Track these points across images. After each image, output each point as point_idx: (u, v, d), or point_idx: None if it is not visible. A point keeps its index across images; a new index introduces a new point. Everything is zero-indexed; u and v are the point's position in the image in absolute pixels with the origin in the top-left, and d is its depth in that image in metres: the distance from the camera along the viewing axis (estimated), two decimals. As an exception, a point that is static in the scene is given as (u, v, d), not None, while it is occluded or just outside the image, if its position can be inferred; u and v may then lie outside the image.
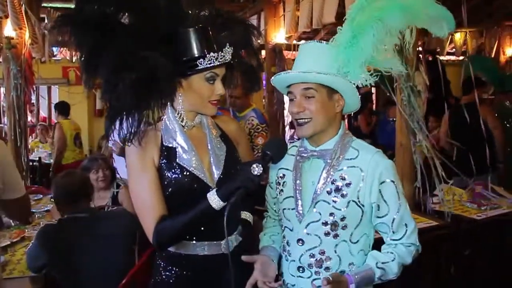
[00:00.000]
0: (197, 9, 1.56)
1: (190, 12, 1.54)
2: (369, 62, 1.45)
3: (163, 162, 1.47)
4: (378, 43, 1.40)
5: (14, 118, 4.54)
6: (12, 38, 4.39)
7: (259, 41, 1.86)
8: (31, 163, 5.25)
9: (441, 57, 7.17)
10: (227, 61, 1.45)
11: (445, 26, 1.53)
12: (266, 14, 5.82)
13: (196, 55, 1.41)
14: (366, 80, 1.45)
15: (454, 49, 7.20)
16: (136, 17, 1.42)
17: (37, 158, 6.12)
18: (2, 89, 5.46)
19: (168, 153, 1.47)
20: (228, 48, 1.45)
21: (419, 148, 3.07)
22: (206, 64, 1.41)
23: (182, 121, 1.51)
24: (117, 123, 1.37)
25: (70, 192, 2.27)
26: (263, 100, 6.98)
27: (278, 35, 5.65)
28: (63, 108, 5.90)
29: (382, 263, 1.44)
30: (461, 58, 7.42)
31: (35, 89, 5.31)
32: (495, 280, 3.06)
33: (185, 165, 1.46)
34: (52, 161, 5.84)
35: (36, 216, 3.19)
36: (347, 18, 1.46)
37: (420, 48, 5.89)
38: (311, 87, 1.43)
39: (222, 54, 1.43)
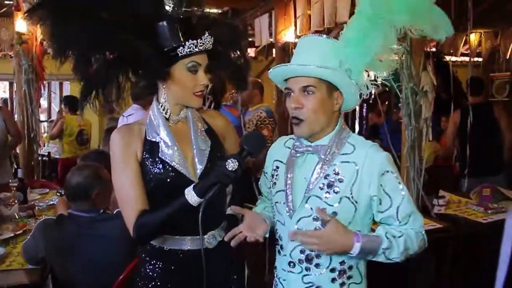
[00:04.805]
0: (184, 7, 1.50)
1: (175, 9, 1.47)
2: (370, 64, 1.43)
3: (145, 156, 1.46)
4: (387, 43, 1.40)
5: (24, 113, 4.61)
6: (24, 34, 4.46)
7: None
8: (40, 158, 5.31)
9: (456, 58, 7.06)
10: (207, 48, 1.44)
11: (443, 31, 1.49)
12: (277, 13, 5.80)
13: (176, 44, 1.39)
14: (367, 82, 1.44)
15: (468, 50, 7.08)
16: (114, 12, 1.37)
17: (47, 153, 6.20)
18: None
19: (151, 148, 1.47)
20: (207, 36, 1.43)
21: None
22: (186, 51, 1.40)
23: (166, 114, 1.50)
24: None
25: (68, 191, 2.17)
26: (274, 100, 6.93)
27: (288, 34, 5.61)
28: (70, 103, 5.75)
29: (392, 235, 1.38)
30: (475, 59, 7.28)
31: (46, 84, 5.34)
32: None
33: (167, 160, 1.45)
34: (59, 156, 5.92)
35: (41, 209, 3.22)
36: (357, 14, 1.43)
37: (434, 49, 5.80)
38: (311, 84, 1.39)
39: (201, 41, 1.42)
